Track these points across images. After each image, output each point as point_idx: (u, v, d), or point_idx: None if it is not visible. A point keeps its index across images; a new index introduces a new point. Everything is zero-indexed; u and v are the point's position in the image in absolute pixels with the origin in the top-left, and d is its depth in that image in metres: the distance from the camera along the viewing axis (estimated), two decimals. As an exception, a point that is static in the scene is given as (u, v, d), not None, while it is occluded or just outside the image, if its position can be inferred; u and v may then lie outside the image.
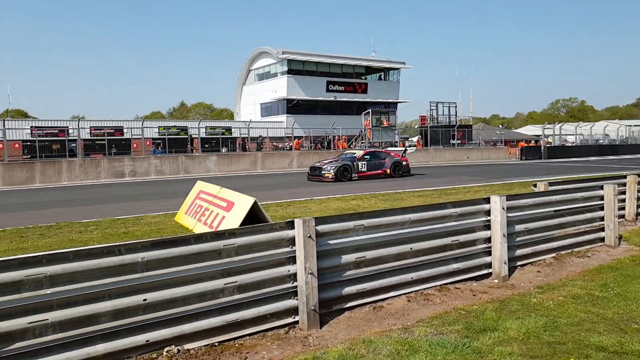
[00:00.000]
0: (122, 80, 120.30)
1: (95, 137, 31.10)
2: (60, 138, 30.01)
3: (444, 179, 19.24)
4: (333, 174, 18.78)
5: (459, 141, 39.52)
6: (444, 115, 43.24)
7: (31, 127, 30.19)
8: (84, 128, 29.21)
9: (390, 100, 51.64)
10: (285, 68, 47.43)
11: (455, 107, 44.79)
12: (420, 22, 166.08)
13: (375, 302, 4.71)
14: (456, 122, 43.23)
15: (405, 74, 58.33)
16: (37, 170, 22.17)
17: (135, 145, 30.65)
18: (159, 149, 31.55)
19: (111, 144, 30.50)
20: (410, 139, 45.11)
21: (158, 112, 77.02)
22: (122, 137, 32.00)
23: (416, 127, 48.51)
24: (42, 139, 28.92)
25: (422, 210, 5.23)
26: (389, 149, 26.52)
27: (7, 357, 3.16)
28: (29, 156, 27.91)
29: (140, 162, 24.98)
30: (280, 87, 47.59)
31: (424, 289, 5.09)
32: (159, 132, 33.13)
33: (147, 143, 29.49)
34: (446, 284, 5.27)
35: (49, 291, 3.32)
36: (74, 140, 27.67)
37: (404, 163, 21.09)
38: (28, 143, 28.93)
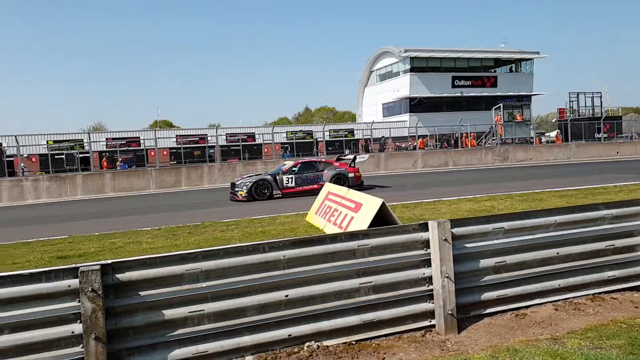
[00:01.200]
0: (250, 88, 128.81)
1: (231, 144, 33.69)
2: (200, 145, 33.17)
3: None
4: (246, 191, 15.57)
5: (605, 135, 35.43)
6: (587, 107, 39.16)
7: (176, 135, 33.77)
8: (221, 135, 31.79)
9: (523, 93, 48.30)
10: (408, 66, 46.86)
11: (600, 97, 40.33)
12: (555, 3, 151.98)
13: (517, 309, 4.42)
14: (602, 114, 38.85)
15: (539, 65, 54.02)
16: (183, 174, 24.64)
17: (266, 150, 32.65)
18: (287, 153, 33.21)
19: (245, 149, 32.82)
20: (547, 134, 41.53)
21: (285, 118, 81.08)
22: (254, 143, 34.24)
23: (553, 120, 44.62)
24: (185, 146, 32.22)
25: (568, 212, 4.78)
26: (347, 156, 20.59)
27: (172, 341, 3.56)
28: (175, 162, 31.23)
29: (271, 165, 26.46)
30: (402, 86, 47.15)
31: (574, 297, 4.64)
32: (286, 137, 34.88)
33: (277, 147, 31.19)
34: (600, 293, 4.75)
35: (204, 285, 3.67)
36: (212, 147, 30.36)
37: (351, 175, 16.95)
38: (174, 150, 32.36)
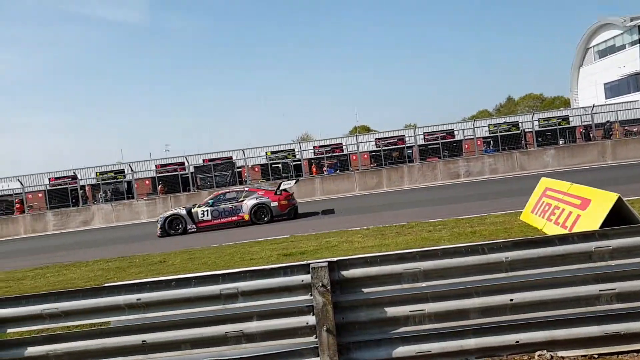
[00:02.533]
0: (443, 85, 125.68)
1: (428, 142, 33.36)
2: (399, 146, 33.68)
3: None
4: (160, 227, 15.36)
5: None
6: None
7: (375, 139, 34.94)
8: (419, 135, 31.76)
9: None
10: (636, 37, 39.81)
11: None
12: None
13: None
14: None
15: None
16: (384, 176, 25.34)
17: (467, 146, 31.43)
18: (490, 148, 31.39)
19: (444, 146, 32.13)
20: None
21: (484, 110, 76.93)
22: (454, 140, 33.28)
23: None
24: (384, 148, 33.09)
25: None
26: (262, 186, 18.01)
27: (394, 338, 3.66)
28: (375, 164, 32.31)
29: (474, 162, 25.37)
30: (630, 61, 40.23)
31: None
32: (489, 131, 33.01)
33: (479, 143, 29.77)
34: None
35: (423, 284, 3.68)
36: (410, 147, 30.52)
37: (274, 204, 15.37)
38: (373, 153, 33.51)
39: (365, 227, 10.88)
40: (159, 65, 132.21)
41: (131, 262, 10.02)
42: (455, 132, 33.48)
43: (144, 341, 3.73)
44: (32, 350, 3.75)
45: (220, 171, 27.41)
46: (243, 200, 15.82)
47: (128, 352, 3.77)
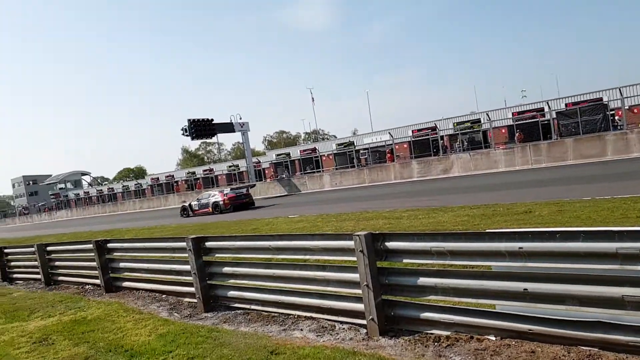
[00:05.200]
0: None
1: None
2: None
3: None
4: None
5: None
6: None
7: None
8: None
9: None
10: None
11: None
12: None
13: None
14: None
15: None
16: None
17: None
18: None
19: None
20: None
21: None
22: None
23: None
24: None
25: None
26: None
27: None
28: None
29: None
30: None
31: None
32: None
33: None
34: None
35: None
36: None
37: (220, 201, 24.98)
38: None
39: None
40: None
41: (495, 210, 10.14)
42: None
43: (525, 289, 3.68)
44: (423, 280, 4.26)
45: (589, 115, 24.16)
46: (209, 198, 25.87)
47: (508, 296, 3.81)
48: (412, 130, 36.71)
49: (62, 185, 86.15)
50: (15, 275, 11.64)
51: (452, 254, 4.08)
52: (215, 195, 25.37)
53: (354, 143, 40.19)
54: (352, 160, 36.16)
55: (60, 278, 9.97)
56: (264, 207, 23.69)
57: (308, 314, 5.26)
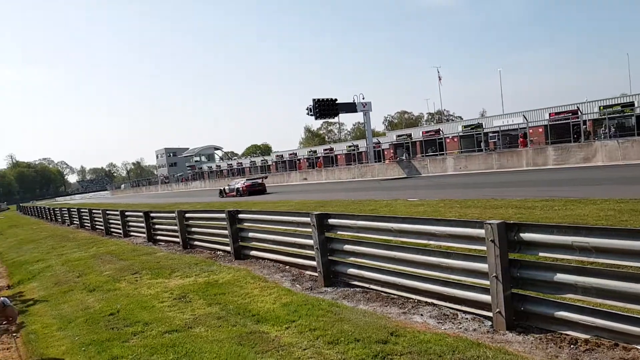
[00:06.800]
0: None
1: None
2: None
3: None
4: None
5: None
6: None
7: None
8: None
9: None
10: None
11: None
12: None
13: None
14: None
15: None
16: None
17: None
18: None
19: None
20: None
21: None
22: None
23: None
24: None
25: None
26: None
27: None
28: None
29: None
30: None
31: None
32: None
33: None
34: None
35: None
36: None
37: (240, 188, 32.39)
38: None
39: None
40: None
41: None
42: None
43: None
44: (561, 276, 3.88)
45: None
46: (235, 186, 33.03)
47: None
48: (550, 114, 33.67)
49: (197, 158, 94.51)
50: (158, 237, 13.04)
51: (597, 251, 3.65)
52: (238, 183, 33.27)
53: (482, 125, 38.05)
54: (479, 143, 34.33)
55: (196, 243, 10.96)
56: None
57: (429, 300, 5.13)
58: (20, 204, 62.98)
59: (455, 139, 38.13)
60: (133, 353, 4.58)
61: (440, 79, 60.38)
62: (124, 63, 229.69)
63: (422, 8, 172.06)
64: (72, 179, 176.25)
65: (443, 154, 35.61)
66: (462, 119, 69.46)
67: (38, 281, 9.74)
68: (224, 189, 34.44)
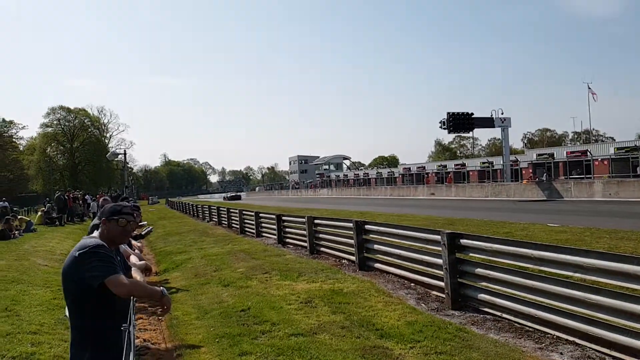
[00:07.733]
0: None
1: None
2: None
3: None
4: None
5: None
6: None
7: None
8: None
9: None
10: None
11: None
12: None
13: None
14: None
15: None
16: None
17: None
18: None
19: None
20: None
21: None
22: None
23: None
24: None
25: None
26: None
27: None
28: None
29: None
30: None
31: None
32: None
33: None
34: None
35: None
36: None
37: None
38: None
39: None
40: None
41: None
42: None
43: None
44: None
45: None
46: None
47: None
48: None
49: (326, 167, 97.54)
50: (287, 240, 13.68)
51: None
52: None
53: (639, 148, 33.68)
54: (634, 168, 30.42)
55: (322, 249, 11.27)
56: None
57: (569, 337, 4.65)
58: (169, 199, 70.84)
59: (606, 162, 34.22)
60: (261, 351, 4.83)
61: (594, 95, 54.63)
62: (283, 77, 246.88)
63: (581, 17, 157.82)
64: (214, 178, 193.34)
65: (590, 177, 32.14)
66: (614, 140, 62.03)
67: (180, 271, 10.78)
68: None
